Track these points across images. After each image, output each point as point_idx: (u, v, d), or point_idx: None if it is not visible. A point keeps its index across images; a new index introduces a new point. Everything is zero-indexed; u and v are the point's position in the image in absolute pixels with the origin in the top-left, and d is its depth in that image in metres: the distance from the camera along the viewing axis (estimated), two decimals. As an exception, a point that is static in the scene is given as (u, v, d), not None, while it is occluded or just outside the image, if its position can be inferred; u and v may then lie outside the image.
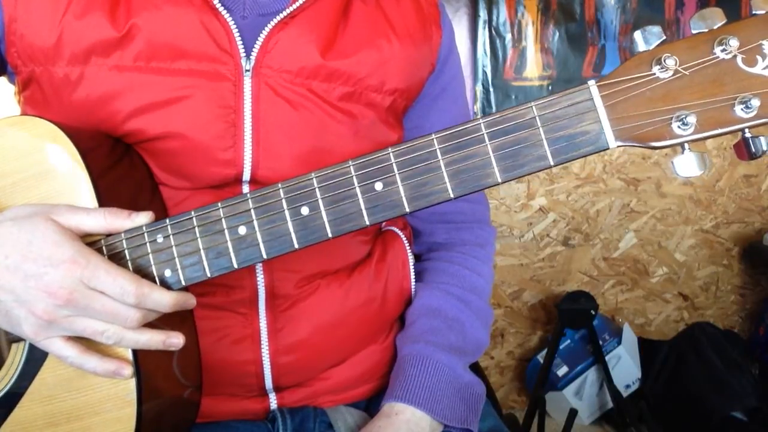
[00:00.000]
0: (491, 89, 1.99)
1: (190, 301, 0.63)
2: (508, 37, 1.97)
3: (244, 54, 0.72)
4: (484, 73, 1.98)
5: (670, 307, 2.26)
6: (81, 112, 0.70)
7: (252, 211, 0.60)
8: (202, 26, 0.71)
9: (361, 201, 0.57)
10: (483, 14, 1.95)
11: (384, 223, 0.90)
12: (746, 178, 2.16)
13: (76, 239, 0.60)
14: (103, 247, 0.63)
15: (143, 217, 0.62)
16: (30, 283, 0.58)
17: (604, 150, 0.53)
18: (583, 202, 2.08)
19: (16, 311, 0.59)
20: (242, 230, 0.60)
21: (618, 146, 0.53)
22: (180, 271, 0.62)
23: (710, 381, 1.93)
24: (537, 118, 0.54)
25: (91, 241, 0.62)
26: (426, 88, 0.84)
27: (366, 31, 0.77)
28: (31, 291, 0.58)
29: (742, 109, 0.51)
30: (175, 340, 0.62)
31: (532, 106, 0.54)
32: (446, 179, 0.56)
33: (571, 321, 1.91)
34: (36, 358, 0.66)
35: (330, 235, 0.58)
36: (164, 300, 0.60)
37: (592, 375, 2.05)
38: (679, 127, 0.52)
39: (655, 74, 0.52)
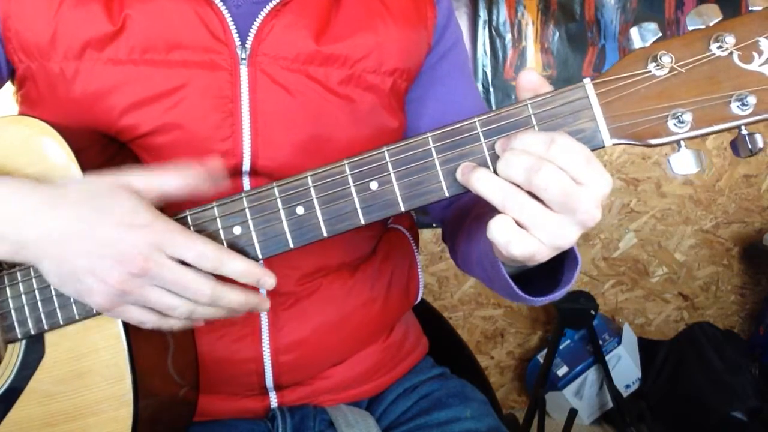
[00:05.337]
0: (491, 89, 1.99)
1: (266, 279, 0.60)
2: (508, 37, 1.97)
3: (240, 42, 0.71)
4: (484, 72, 1.98)
5: (670, 307, 2.25)
6: (77, 109, 0.70)
7: (247, 210, 0.59)
8: (196, 16, 0.70)
9: (356, 200, 0.57)
10: (483, 14, 1.95)
11: (391, 220, 0.90)
12: (746, 178, 2.16)
13: (152, 206, 0.58)
14: (188, 217, 0.61)
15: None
16: (104, 250, 0.55)
17: (600, 148, 0.53)
18: (582, 201, 2.08)
19: (89, 280, 0.57)
20: (237, 230, 0.59)
21: (613, 144, 0.53)
22: (176, 271, 0.61)
23: (710, 381, 1.93)
24: (532, 116, 0.54)
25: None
26: (425, 65, 0.84)
27: (360, 13, 0.77)
28: (106, 259, 0.55)
29: (738, 107, 0.50)
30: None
31: (527, 104, 0.54)
32: (441, 178, 0.56)
33: (571, 321, 1.90)
34: (32, 359, 0.65)
35: (325, 234, 0.58)
36: (240, 267, 0.58)
37: (592, 375, 2.05)
38: (675, 124, 0.51)
39: (650, 72, 0.52)
